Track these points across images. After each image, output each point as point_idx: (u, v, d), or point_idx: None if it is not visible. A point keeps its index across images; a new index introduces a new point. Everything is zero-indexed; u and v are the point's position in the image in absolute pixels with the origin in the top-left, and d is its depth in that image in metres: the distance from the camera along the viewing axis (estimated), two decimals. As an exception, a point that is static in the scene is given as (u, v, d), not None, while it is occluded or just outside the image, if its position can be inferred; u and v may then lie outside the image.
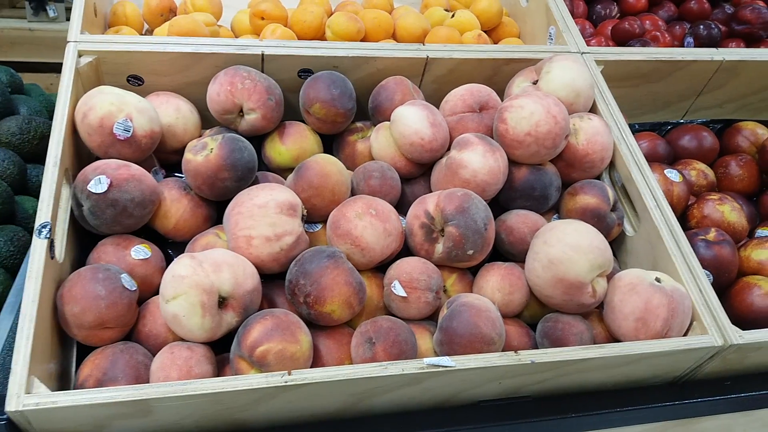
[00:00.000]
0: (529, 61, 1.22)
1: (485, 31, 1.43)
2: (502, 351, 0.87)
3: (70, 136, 0.98)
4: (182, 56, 1.08)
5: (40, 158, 1.46)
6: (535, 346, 0.96)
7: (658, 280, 0.92)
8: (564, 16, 1.33)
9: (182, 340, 0.86)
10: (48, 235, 0.84)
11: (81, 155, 1.03)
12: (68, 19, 3.31)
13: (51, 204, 0.87)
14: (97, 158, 1.00)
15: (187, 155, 0.98)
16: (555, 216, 1.10)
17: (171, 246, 1.02)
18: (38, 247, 0.83)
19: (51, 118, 1.59)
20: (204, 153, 0.97)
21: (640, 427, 0.97)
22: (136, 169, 0.94)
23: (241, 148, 0.99)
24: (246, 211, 0.91)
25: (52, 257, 0.85)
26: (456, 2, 1.49)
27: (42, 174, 1.42)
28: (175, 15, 1.33)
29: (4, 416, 0.72)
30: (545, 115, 0.99)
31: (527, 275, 0.96)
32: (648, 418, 0.96)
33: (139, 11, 1.31)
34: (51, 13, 2.96)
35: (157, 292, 0.95)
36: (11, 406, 0.71)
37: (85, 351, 0.88)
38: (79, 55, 1.05)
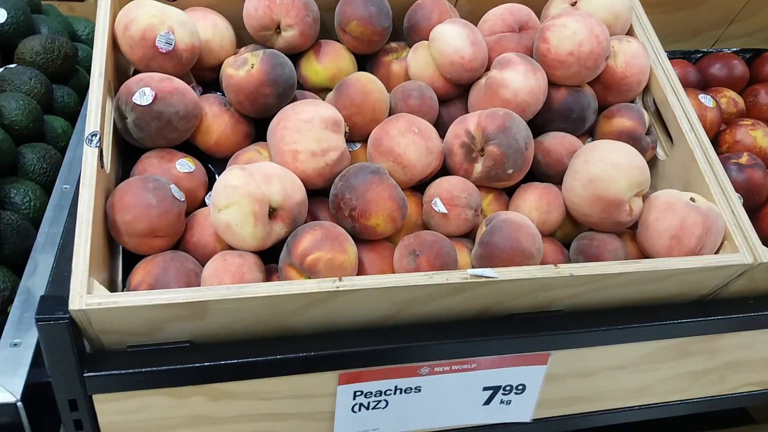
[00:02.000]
0: (566, -17, 1.20)
1: (517, -46, 1.40)
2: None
3: (111, 49, 0.97)
4: (218, -31, 1.07)
5: (63, 79, 1.45)
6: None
7: (692, 200, 0.94)
8: (600, -63, 1.30)
9: (229, 249, 0.89)
10: (98, 144, 0.85)
11: (119, 69, 1.03)
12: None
13: (98, 114, 0.88)
14: (136, 72, 1.00)
15: (228, 70, 0.98)
16: (589, 139, 1.11)
17: (211, 161, 1.03)
18: (89, 155, 0.84)
19: (72, 39, 1.58)
20: (245, 68, 0.97)
21: (665, 342, 1.01)
22: (179, 83, 0.95)
23: (282, 63, 0.99)
24: (292, 125, 0.92)
25: (102, 166, 0.87)
26: None
27: (67, 95, 1.43)
28: (203, -71, 1.29)
29: (67, 315, 0.75)
30: (588, 35, 0.99)
31: (565, 194, 0.98)
32: (674, 334, 1.00)
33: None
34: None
35: (201, 206, 0.97)
36: (74, 305, 0.73)
37: (129, 263, 0.90)
38: (114, -34, 1.03)
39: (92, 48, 1.60)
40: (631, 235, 1.01)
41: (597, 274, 0.88)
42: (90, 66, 1.53)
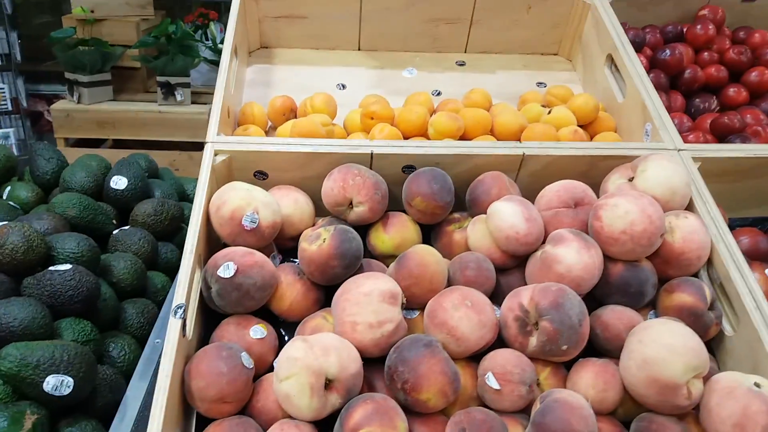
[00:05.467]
0: (625, 158, 1.26)
1: (581, 126, 1.48)
2: (595, 449, 0.88)
3: (204, 225, 1.12)
4: (302, 155, 1.22)
5: (168, 236, 1.64)
6: (630, 445, 0.96)
7: (757, 385, 0.91)
8: (660, 113, 1.36)
9: (289, 418, 0.94)
10: (182, 316, 0.96)
11: (210, 240, 1.17)
12: (193, 102, 3.67)
13: (186, 287, 1.00)
14: (224, 244, 1.13)
15: (303, 244, 1.10)
16: (651, 312, 1.11)
17: (282, 325, 1.12)
18: (173, 326, 0.95)
19: (180, 200, 1.79)
20: (318, 243, 1.08)
21: None
22: (260, 257, 1.06)
23: (351, 239, 1.09)
24: (353, 298, 1.00)
25: (184, 335, 0.97)
26: (553, 98, 1.56)
27: (170, 251, 1.59)
28: (295, 114, 1.49)
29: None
30: (640, 215, 1.03)
31: (622, 373, 0.98)
32: None
33: (265, 111, 1.48)
34: (178, 98, 3.33)
35: (270, 370, 1.05)
36: (145, 469, 0.81)
37: (201, 423, 0.97)
38: (215, 154, 1.20)
39: (197, 207, 1.81)
40: (695, 417, 0.97)
41: (654, 463, 0.85)
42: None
